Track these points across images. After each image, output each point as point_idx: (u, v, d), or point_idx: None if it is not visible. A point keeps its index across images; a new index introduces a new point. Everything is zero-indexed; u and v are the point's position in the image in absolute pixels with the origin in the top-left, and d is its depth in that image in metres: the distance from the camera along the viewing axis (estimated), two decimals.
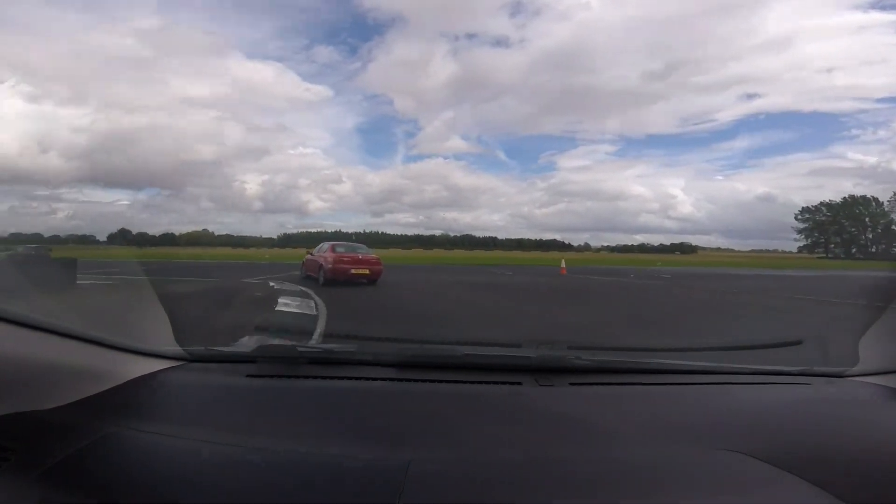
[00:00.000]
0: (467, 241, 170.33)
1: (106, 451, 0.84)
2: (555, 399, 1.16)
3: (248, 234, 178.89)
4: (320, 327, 6.16)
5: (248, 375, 1.22)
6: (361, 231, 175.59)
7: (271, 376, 1.23)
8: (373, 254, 13.38)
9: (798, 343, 1.79)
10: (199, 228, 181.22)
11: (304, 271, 14.41)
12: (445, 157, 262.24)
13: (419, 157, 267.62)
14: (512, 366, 1.34)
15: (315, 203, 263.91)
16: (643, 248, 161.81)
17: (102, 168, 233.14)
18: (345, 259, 12.34)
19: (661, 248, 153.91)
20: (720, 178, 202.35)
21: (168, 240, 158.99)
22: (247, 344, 1.38)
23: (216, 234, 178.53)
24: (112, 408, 0.97)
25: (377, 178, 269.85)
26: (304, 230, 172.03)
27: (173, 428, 0.94)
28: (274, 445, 0.87)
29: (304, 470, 0.81)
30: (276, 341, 1.49)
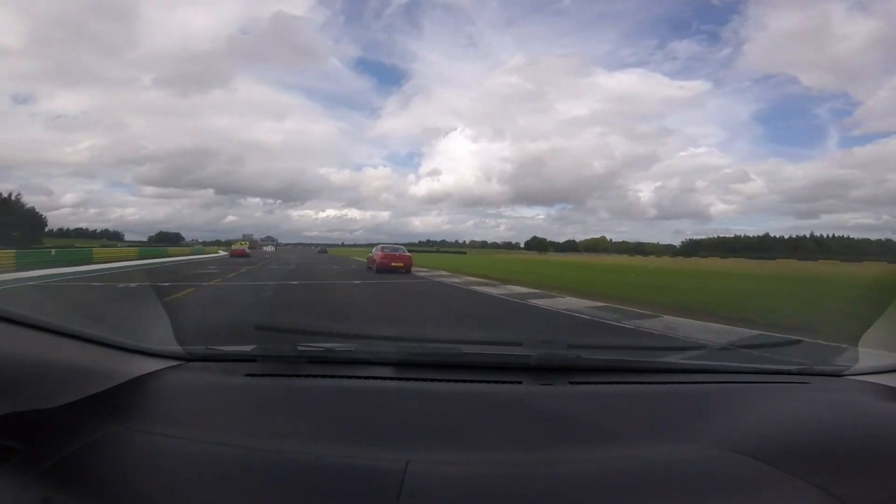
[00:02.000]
0: None
1: (106, 451, 0.85)
2: (555, 398, 1.16)
3: (645, 241, 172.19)
4: None
5: (247, 375, 1.22)
6: (793, 236, 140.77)
7: (271, 375, 1.24)
8: (407, 252, 19.93)
9: (798, 342, 1.82)
10: (598, 236, 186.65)
11: (367, 264, 20.80)
12: None
13: (869, 138, 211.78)
14: (512, 365, 1.34)
15: (717, 206, 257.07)
16: None
17: (524, 189, 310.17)
18: (388, 256, 18.70)
19: None
20: None
21: (569, 246, 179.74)
22: (246, 343, 1.41)
23: (613, 240, 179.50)
24: (112, 407, 0.97)
25: (799, 171, 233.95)
26: (708, 236, 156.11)
27: (173, 427, 0.94)
28: (273, 445, 0.88)
29: (302, 470, 0.81)
30: (276, 341, 1.49)
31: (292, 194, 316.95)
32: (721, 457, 0.89)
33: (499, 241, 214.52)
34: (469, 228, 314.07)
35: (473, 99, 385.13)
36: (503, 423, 1.02)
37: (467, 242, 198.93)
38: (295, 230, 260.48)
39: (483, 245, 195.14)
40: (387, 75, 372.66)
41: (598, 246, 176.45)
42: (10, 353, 0.81)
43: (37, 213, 79.50)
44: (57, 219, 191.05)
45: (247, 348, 1.39)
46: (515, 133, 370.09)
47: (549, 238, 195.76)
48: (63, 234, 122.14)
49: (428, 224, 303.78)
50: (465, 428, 0.99)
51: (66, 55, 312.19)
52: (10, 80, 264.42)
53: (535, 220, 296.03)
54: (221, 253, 45.62)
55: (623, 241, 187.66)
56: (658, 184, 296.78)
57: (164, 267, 20.23)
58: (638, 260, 76.56)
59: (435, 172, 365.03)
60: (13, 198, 74.34)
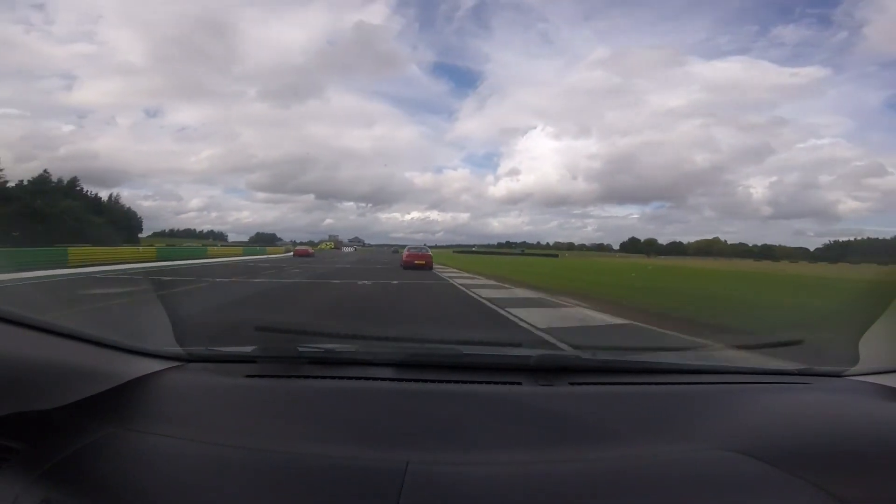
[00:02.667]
0: None
1: (106, 451, 0.85)
2: (555, 399, 1.16)
3: (773, 243, 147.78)
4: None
5: (247, 376, 1.22)
6: None
7: (271, 376, 1.24)
8: (429, 252, 22.24)
9: (798, 343, 1.78)
10: (709, 237, 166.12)
11: (400, 262, 21.91)
12: None
13: None
14: (512, 365, 1.35)
15: (846, 203, 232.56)
16: None
17: (615, 187, 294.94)
18: (412, 255, 20.75)
19: None
20: None
21: (675, 248, 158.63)
22: (247, 344, 1.41)
23: (728, 242, 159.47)
24: (112, 408, 0.97)
25: None
26: (855, 237, 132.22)
27: (173, 428, 0.94)
28: (273, 446, 0.87)
29: (302, 471, 0.80)
30: (276, 342, 1.51)
31: (381, 198, 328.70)
32: (721, 457, 0.89)
33: (587, 242, 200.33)
34: (552, 229, 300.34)
35: (553, 96, 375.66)
36: (503, 423, 1.02)
37: (551, 244, 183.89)
38: (383, 232, 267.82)
39: (570, 247, 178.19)
40: (462, 78, 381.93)
41: (710, 248, 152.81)
42: (12, 353, 0.81)
43: (133, 213, 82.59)
44: (185, 221, 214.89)
45: (247, 349, 1.38)
46: (603, 128, 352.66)
47: (646, 238, 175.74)
48: (173, 234, 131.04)
49: (508, 225, 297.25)
50: (465, 429, 0.99)
51: (183, 72, 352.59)
52: (141, 95, 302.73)
53: (628, 220, 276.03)
54: (287, 254, 44.00)
55: (741, 243, 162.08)
56: (773, 179, 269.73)
57: (123, 278, 13.58)
58: (783, 266, 60.35)
59: (514, 172, 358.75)
60: (113, 199, 77.39)
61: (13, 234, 34.57)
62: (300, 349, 1.36)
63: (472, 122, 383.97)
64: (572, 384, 1.24)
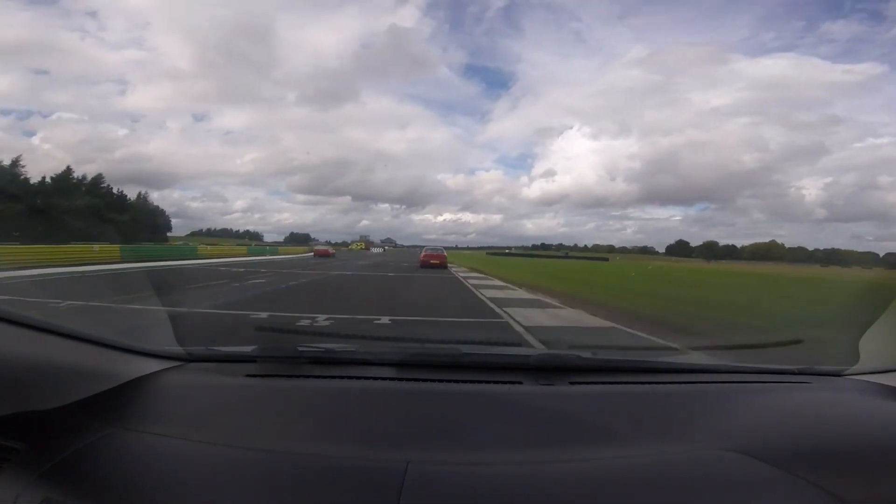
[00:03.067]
0: None
1: (106, 451, 0.85)
2: (555, 398, 1.16)
3: (834, 248, 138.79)
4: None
5: (247, 375, 1.22)
6: None
7: (271, 376, 1.24)
8: (443, 252, 25.97)
9: (798, 342, 1.77)
10: (763, 240, 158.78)
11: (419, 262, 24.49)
12: None
13: None
14: (512, 365, 1.35)
15: None
16: None
17: (656, 188, 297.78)
18: (428, 255, 24.04)
19: None
20: None
21: (728, 252, 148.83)
22: (247, 344, 1.43)
23: (787, 246, 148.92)
24: (112, 408, 0.97)
25: None
26: None
27: (173, 428, 0.94)
28: (273, 446, 0.87)
29: (302, 471, 0.80)
30: (276, 341, 1.53)
31: (414, 200, 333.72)
32: (721, 457, 0.89)
33: (627, 244, 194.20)
34: (589, 231, 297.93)
35: (589, 96, 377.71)
36: (503, 423, 1.02)
37: (589, 246, 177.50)
38: (416, 233, 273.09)
39: (610, 249, 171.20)
40: (494, 79, 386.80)
41: (768, 253, 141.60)
42: (11, 353, 0.81)
43: (161, 211, 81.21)
44: (230, 221, 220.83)
45: (247, 349, 1.39)
46: (643, 128, 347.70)
47: (695, 242, 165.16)
48: (210, 233, 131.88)
49: (542, 227, 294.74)
50: (465, 428, 0.99)
51: (227, 77, 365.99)
52: (188, 100, 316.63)
53: (671, 222, 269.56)
54: (308, 254, 42.73)
55: (800, 247, 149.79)
56: (828, 180, 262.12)
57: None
58: (860, 273, 52.85)
59: (549, 173, 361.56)
60: (141, 196, 76.04)
61: (14, 234, 31.75)
62: (300, 349, 1.36)
63: (505, 123, 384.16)
64: (572, 383, 1.23)
